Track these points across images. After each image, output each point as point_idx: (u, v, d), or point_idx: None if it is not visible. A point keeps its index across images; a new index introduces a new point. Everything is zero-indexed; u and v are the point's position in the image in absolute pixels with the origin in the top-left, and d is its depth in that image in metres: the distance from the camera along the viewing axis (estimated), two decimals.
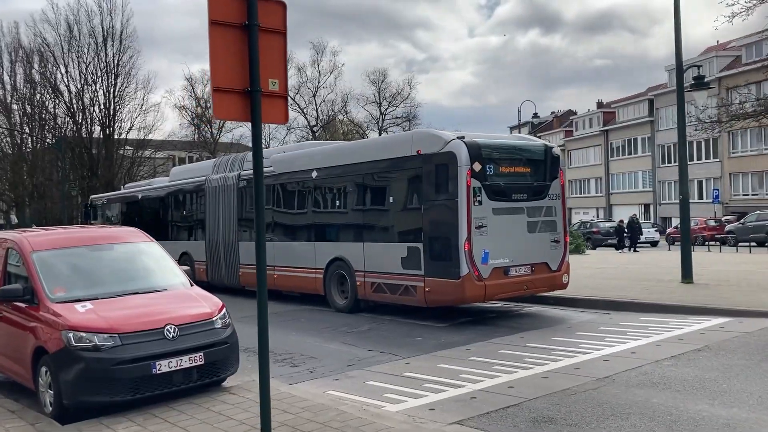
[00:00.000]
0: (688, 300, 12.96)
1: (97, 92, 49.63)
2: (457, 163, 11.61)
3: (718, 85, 54.48)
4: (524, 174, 12.52)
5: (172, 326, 7.52)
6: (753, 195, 52.15)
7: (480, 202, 11.73)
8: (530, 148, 12.77)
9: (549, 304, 13.95)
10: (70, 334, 7.18)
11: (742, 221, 38.01)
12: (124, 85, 50.65)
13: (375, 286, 13.27)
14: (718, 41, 62.64)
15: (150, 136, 51.93)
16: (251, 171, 15.60)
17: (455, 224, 11.61)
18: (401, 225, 12.88)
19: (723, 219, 43.34)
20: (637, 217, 42.28)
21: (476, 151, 11.75)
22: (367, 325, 12.56)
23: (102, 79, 49.78)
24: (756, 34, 28.06)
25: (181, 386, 7.47)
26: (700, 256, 27.04)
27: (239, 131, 52.99)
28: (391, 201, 13.14)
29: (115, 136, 50.09)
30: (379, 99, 51.88)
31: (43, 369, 7.47)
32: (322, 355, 10.12)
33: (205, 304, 8.18)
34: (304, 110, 52.02)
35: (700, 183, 55.89)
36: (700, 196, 55.08)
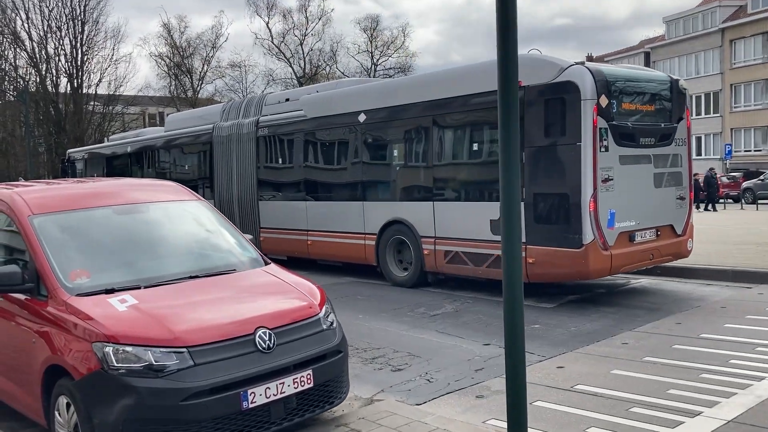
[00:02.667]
0: None
1: (63, 40, 45.57)
2: (581, 95, 8.90)
3: (721, 36, 52.39)
4: (651, 113, 9.86)
5: (266, 331, 4.80)
6: (756, 151, 50.32)
7: (606, 148, 9.08)
8: (657, 79, 10.10)
9: (655, 274, 11.45)
10: (108, 348, 4.43)
11: (761, 178, 36.08)
12: (92, 33, 46.66)
13: (450, 255, 10.61)
14: None
15: (121, 89, 48.09)
16: (273, 116, 12.56)
17: (576, 176, 8.95)
18: (491, 179, 10.20)
19: (735, 175, 41.37)
20: (715, 171, 33.35)
21: (602, 81, 9.05)
22: (449, 305, 9.93)
23: (66, 27, 45.71)
24: None
25: (282, 424, 4.79)
26: (738, 214, 24.92)
27: (221, 82, 49.42)
28: (475, 148, 10.40)
29: (84, 89, 46.17)
30: (371, 48, 48.54)
31: (63, 400, 4.72)
32: (423, 350, 7.49)
33: (300, 291, 5.46)
34: (290, 60, 48.41)
35: (699, 139, 53.89)
36: (699, 153, 53.15)
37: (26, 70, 46.81)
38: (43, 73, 45.84)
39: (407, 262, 11.55)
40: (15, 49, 46.30)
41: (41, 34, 45.15)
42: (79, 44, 45.48)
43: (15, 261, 5.58)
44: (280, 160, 14.11)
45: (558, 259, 9.18)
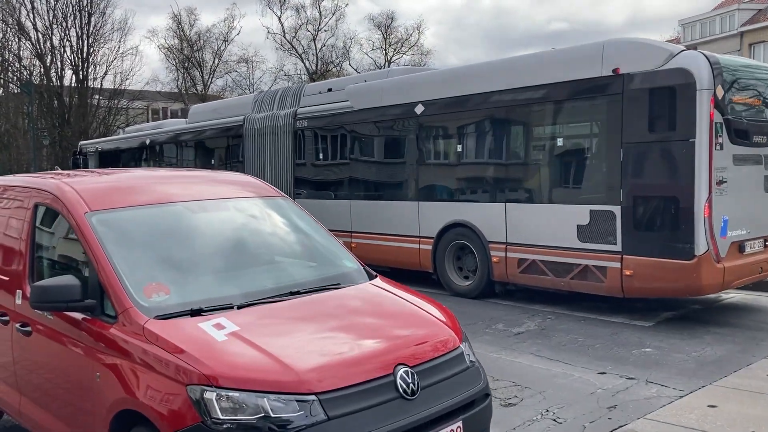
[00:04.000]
0: None
1: (69, 31, 44.31)
2: (696, 85, 7.76)
3: (740, 40, 51.34)
4: (762, 109, 8.75)
5: (408, 370, 3.65)
6: None
7: (721, 146, 7.95)
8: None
9: (743, 288, 10.29)
10: (210, 394, 3.29)
11: None
12: (99, 24, 45.42)
13: (525, 264, 9.45)
14: None
15: (127, 82, 46.83)
16: (313, 107, 11.37)
17: (689, 177, 7.81)
18: (578, 178, 9.05)
19: None
20: None
21: (719, 70, 7.91)
22: (530, 321, 8.77)
23: (73, 18, 44.47)
24: None
25: None
26: None
27: (231, 77, 48.11)
28: (559, 144, 9.24)
29: (89, 82, 44.90)
30: (385, 45, 47.27)
31: None
32: (530, 380, 6.33)
33: (432, 314, 4.31)
34: (302, 55, 47.15)
35: None
36: None
37: (30, 62, 45.55)
38: (48, 64, 44.58)
39: (469, 269, 10.40)
40: (19, 39, 45.07)
41: (47, 24, 43.95)
42: (85, 36, 44.28)
43: (67, 270, 4.44)
44: (321, 155, 12.94)
45: (663, 271, 8.03)
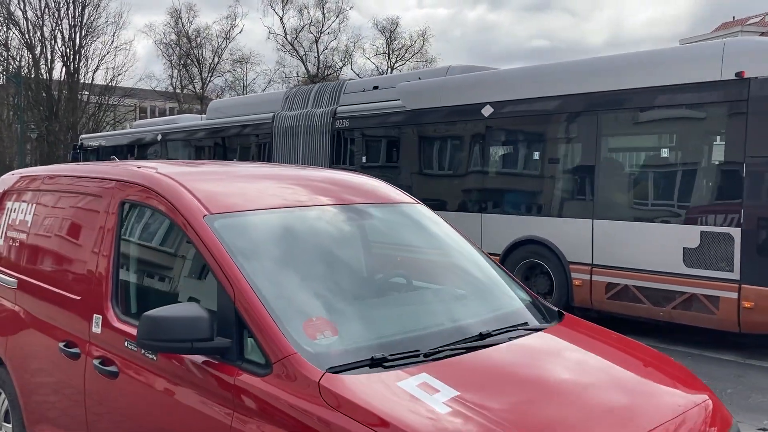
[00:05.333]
0: None
1: (61, 22, 42.79)
2: None
3: None
4: None
5: None
6: None
7: None
8: None
9: None
10: None
11: None
12: (92, 17, 43.95)
13: (616, 289, 8.37)
14: (734, 17, 59.13)
15: (120, 78, 45.35)
16: (356, 105, 10.13)
17: None
18: (686, 194, 8.00)
19: None
20: None
21: None
22: None
23: (66, 8, 42.97)
24: None
25: None
26: None
27: (229, 76, 46.74)
28: (663, 155, 8.20)
29: (81, 75, 43.37)
30: (389, 51, 46.22)
31: None
32: None
33: (677, 372, 3.19)
34: (304, 58, 45.97)
35: None
36: None
37: (18, 52, 43.91)
38: (38, 55, 42.99)
39: (540, 292, 9.30)
40: (8, 28, 43.42)
41: (38, 14, 42.41)
42: (78, 27, 42.78)
43: (173, 292, 3.29)
44: (364, 158, 11.81)
45: None
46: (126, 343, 3.23)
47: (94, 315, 3.51)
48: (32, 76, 42.62)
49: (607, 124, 8.60)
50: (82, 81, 44.02)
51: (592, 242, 8.62)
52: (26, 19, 42.63)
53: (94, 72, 44.47)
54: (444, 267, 3.98)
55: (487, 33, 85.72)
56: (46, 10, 42.66)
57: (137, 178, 3.57)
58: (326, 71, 47.19)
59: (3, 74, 43.48)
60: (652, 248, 8.03)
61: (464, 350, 2.87)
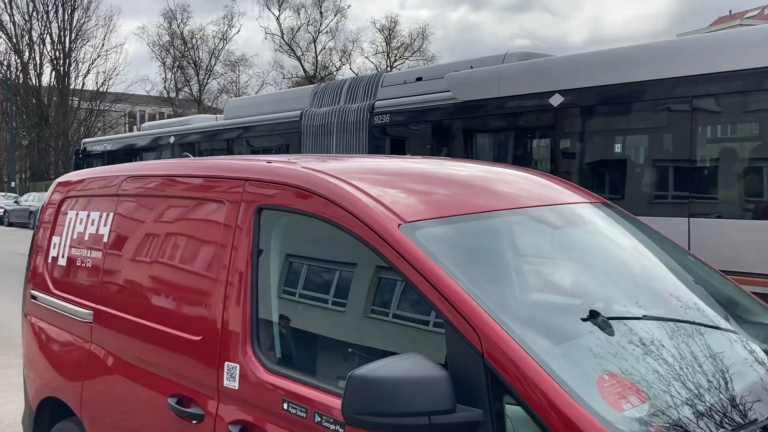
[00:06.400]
0: None
1: (50, 25, 41.64)
2: None
3: None
4: None
5: None
6: None
7: None
8: None
9: None
10: None
11: None
12: (82, 20, 42.84)
13: None
14: (730, 11, 58.81)
15: (110, 82, 44.32)
16: (397, 99, 8.89)
17: None
18: None
19: None
20: None
21: None
22: None
23: (54, 11, 41.83)
24: None
25: None
26: None
27: (223, 79, 45.72)
28: None
29: (71, 79, 42.27)
30: (388, 50, 45.21)
31: None
32: None
33: None
34: (301, 57, 44.92)
35: None
36: None
37: (6, 57, 42.69)
38: (26, 60, 41.80)
39: None
40: None
41: (25, 17, 41.24)
42: (67, 30, 41.66)
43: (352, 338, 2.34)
44: (409, 155, 10.85)
45: None
46: (287, 406, 2.27)
47: (226, 363, 2.54)
48: (20, 81, 41.44)
49: (702, 111, 7.69)
50: (72, 86, 42.93)
51: (688, 243, 7.71)
52: (14, 23, 41.49)
53: (85, 76, 43.43)
54: (687, 279, 3.07)
55: (469, 33, 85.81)
56: (35, 13, 41.55)
57: (283, 177, 2.60)
58: (324, 71, 46.27)
59: None
60: (759, 249, 7.13)
61: None
